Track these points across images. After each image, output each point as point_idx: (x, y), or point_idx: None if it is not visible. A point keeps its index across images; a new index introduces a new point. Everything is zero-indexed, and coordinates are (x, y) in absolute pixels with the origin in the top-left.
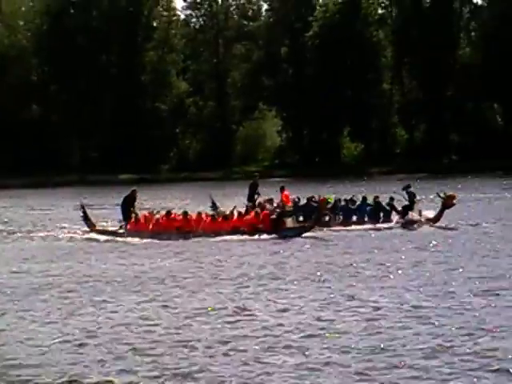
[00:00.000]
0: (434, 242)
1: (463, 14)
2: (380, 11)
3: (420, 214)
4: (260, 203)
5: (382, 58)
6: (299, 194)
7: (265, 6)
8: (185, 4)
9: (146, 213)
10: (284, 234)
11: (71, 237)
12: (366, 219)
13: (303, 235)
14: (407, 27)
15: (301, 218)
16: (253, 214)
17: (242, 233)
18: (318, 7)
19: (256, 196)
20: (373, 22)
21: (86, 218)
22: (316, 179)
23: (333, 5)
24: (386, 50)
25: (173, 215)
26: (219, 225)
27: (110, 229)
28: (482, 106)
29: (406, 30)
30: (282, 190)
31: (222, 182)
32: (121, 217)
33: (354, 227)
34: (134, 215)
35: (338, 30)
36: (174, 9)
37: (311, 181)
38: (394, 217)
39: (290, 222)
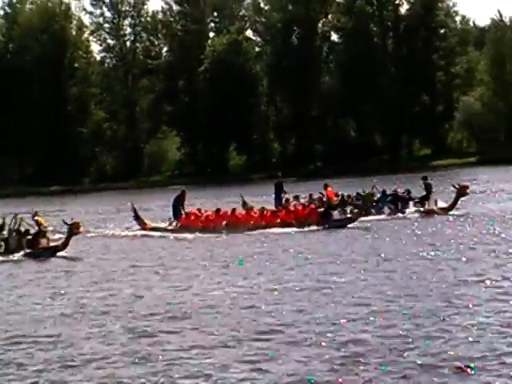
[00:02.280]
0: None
1: (323, 49)
2: (257, 49)
3: (436, 204)
4: (287, 200)
5: (260, 86)
6: (198, 197)
7: (165, 48)
8: (100, 48)
9: (195, 210)
10: (331, 225)
11: (126, 235)
12: (384, 210)
13: (349, 226)
14: (279, 61)
15: (348, 211)
16: (300, 207)
17: (291, 225)
18: (207, 47)
19: (282, 195)
20: (251, 58)
21: (137, 218)
22: (209, 186)
23: (219, 45)
24: (263, 79)
25: (221, 212)
26: (268, 219)
27: (161, 226)
28: (340, 122)
29: (278, 63)
30: (326, 187)
31: (134, 190)
32: (171, 215)
33: (381, 217)
34: (184, 212)
35: (223, 64)
36: (91, 51)
37: (205, 187)
38: (412, 207)
39: (336, 215)
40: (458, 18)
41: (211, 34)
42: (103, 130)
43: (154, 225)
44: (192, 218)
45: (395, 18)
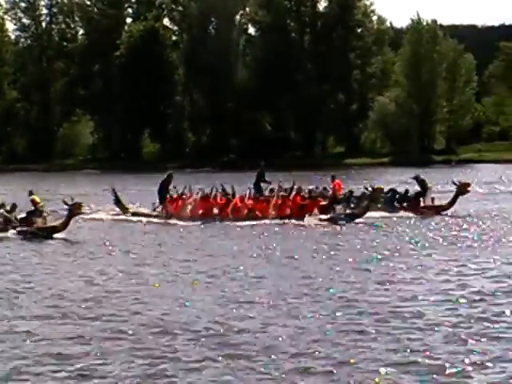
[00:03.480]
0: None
1: (240, 42)
2: (174, 38)
3: (432, 201)
4: (272, 190)
5: (176, 75)
6: (108, 183)
7: (81, 31)
8: (15, 27)
9: (182, 195)
10: (336, 219)
11: (108, 218)
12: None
13: (355, 221)
14: (195, 51)
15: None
16: (299, 198)
17: (289, 217)
18: (124, 33)
19: (263, 184)
20: (168, 46)
21: (118, 202)
22: (121, 172)
23: (136, 31)
24: (179, 68)
25: (211, 198)
26: (264, 208)
27: (144, 211)
28: (256, 116)
29: (194, 53)
30: (333, 179)
31: (47, 172)
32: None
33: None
34: (171, 197)
35: (139, 51)
36: (6, 30)
37: (117, 173)
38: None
39: (340, 210)
40: (374, 18)
41: (128, 20)
42: (16, 110)
43: (136, 210)
44: (179, 203)
45: (313, 15)
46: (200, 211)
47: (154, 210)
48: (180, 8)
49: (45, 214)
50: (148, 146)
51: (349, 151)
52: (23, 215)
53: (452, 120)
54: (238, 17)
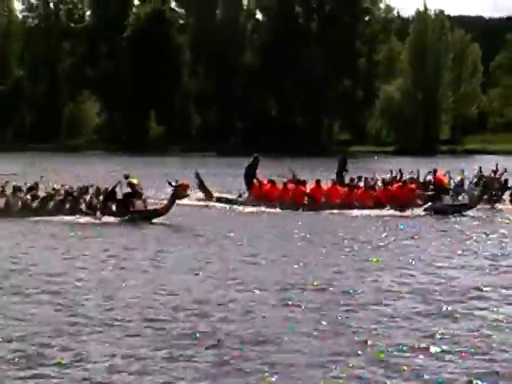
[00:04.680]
0: None
1: (247, 26)
2: (181, 21)
3: None
4: (352, 179)
5: (183, 57)
6: (113, 165)
7: (88, 12)
8: (22, 7)
9: (271, 180)
10: (438, 209)
11: (192, 204)
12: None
13: (463, 213)
14: (202, 34)
15: (460, 198)
16: (397, 186)
17: (386, 207)
18: (131, 14)
19: (344, 172)
20: (175, 28)
21: (202, 187)
22: (127, 153)
23: (143, 13)
24: (186, 51)
25: (302, 185)
26: (360, 197)
27: (230, 197)
28: (262, 100)
29: (201, 36)
30: (435, 172)
31: (55, 152)
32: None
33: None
34: (257, 183)
35: (146, 33)
36: (14, 10)
37: (123, 154)
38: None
39: (448, 200)
40: (382, 6)
41: (136, 2)
42: (23, 88)
43: (220, 195)
44: (267, 188)
45: (320, 1)
46: (291, 197)
47: (240, 195)
48: None
49: (144, 197)
50: (154, 128)
51: (354, 139)
52: (120, 197)
53: (457, 110)
54: (245, 1)
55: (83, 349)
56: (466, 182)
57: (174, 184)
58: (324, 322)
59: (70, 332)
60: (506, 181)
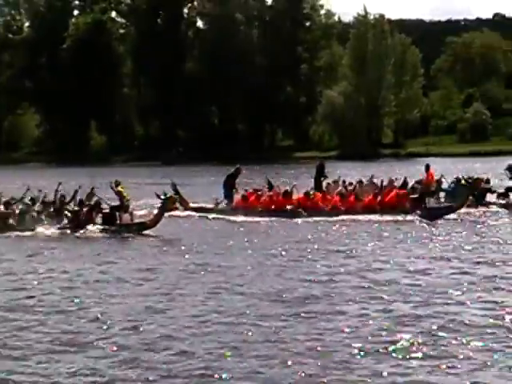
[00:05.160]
0: None
1: (189, 35)
2: (122, 31)
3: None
4: (329, 184)
5: (124, 67)
6: (56, 176)
7: (27, 23)
8: None
9: (252, 190)
10: (425, 214)
11: (173, 215)
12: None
13: (448, 216)
14: (143, 44)
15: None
16: (390, 192)
17: (376, 212)
18: (71, 25)
19: (322, 178)
20: (115, 39)
21: (178, 197)
22: (68, 165)
23: (83, 24)
24: (127, 61)
25: (290, 195)
26: (348, 204)
27: (207, 206)
28: (204, 108)
29: (142, 46)
30: (428, 168)
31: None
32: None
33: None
34: (240, 192)
35: (87, 44)
36: None
37: (65, 166)
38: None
39: (431, 202)
40: (322, 12)
41: (75, 12)
42: None
43: (197, 205)
44: (251, 198)
45: (261, 8)
46: (273, 206)
47: (217, 204)
48: (127, 0)
49: (131, 209)
50: (96, 139)
51: (297, 144)
52: (107, 210)
53: (399, 114)
54: (185, 10)
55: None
56: (446, 184)
57: (162, 197)
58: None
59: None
60: (488, 180)
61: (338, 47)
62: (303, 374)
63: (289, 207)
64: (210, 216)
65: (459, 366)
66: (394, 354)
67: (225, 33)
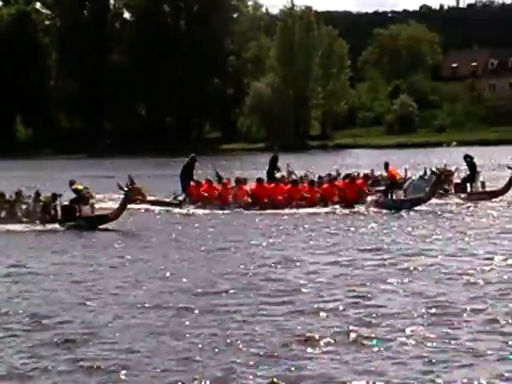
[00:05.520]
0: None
1: (115, 27)
2: (47, 22)
3: (483, 186)
4: (283, 177)
5: (49, 59)
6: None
7: None
8: None
9: (208, 180)
10: (394, 205)
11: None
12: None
13: (417, 208)
14: (68, 36)
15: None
16: (344, 182)
17: (332, 203)
18: None
19: (275, 171)
20: (40, 30)
21: (125, 188)
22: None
23: (7, 15)
24: (52, 53)
25: (243, 184)
26: (307, 194)
27: (165, 200)
28: (131, 100)
29: (68, 37)
30: (387, 166)
31: None
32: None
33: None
34: (195, 183)
35: (11, 35)
36: None
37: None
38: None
39: (400, 195)
40: (250, 4)
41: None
42: None
43: (154, 198)
44: (205, 188)
45: (189, 0)
46: (232, 198)
47: (175, 197)
48: None
49: (92, 201)
50: (21, 132)
51: (225, 136)
52: (66, 203)
53: (327, 105)
54: (112, 1)
55: None
56: (412, 178)
57: (124, 188)
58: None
59: None
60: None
61: (265, 39)
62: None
63: (244, 198)
64: (167, 209)
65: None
66: (314, 344)
67: (152, 25)
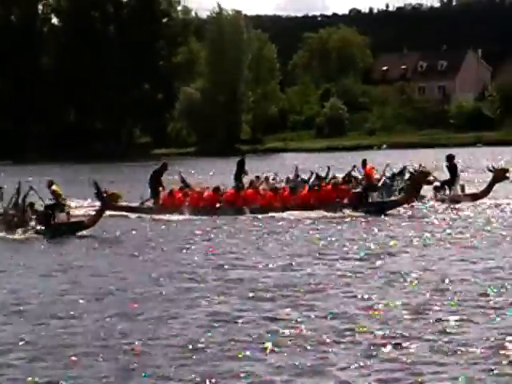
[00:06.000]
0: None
1: (44, 31)
2: None
3: (463, 190)
4: (252, 181)
5: None
6: None
7: None
8: None
9: (179, 187)
10: (369, 209)
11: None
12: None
13: (389, 212)
14: None
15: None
16: (329, 187)
17: (313, 208)
18: None
19: (243, 175)
20: None
21: (100, 195)
22: None
23: None
24: None
25: (219, 190)
26: (284, 199)
27: (132, 205)
28: (60, 105)
29: None
30: (365, 163)
31: None
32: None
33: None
34: (166, 190)
35: None
36: None
37: None
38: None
39: (376, 197)
40: (179, 8)
41: None
42: None
43: (121, 204)
44: (178, 196)
45: (117, 4)
46: (203, 204)
47: (142, 203)
48: None
49: (67, 208)
50: None
51: (155, 141)
52: (41, 209)
53: (257, 109)
54: (40, 6)
55: None
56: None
57: (102, 193)
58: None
59: None
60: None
61: (195, 43)
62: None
63: (218, 204)
64: (135, 215)
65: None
66: (261, 347)
67: (80, 29)
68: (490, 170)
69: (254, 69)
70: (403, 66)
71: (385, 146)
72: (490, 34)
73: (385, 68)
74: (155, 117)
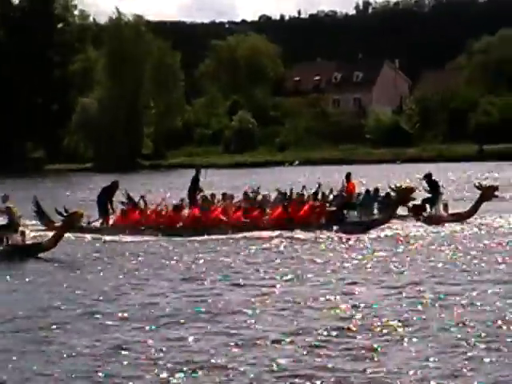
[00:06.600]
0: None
1: None
2: None
3: (445, 209)
4: (206, 198)
5: None
6: None
7: None
8: None
9: (126, 206)
10: (344, 228)
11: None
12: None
13: (369, 231)
14: None
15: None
16: (295, 204)
17: (286, 228)
18: None
19: (198, 192)
20: None
21: (40, 214)
22: None
23: None
24: None
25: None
26: (254, 218)
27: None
28: None
29: None
30: (348, 178)
31: None
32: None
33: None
34: (118, 209)
35: None
36: None
37: None
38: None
39: (354, 217)
40: (76, 13)
41: None
42: None
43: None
44: (133, 215)
45: (8, 8)
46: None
47: (89, 223)
48: None
49: (22, 229)
50: None
51: (49, 156)
52: None
53: (160, 122)
54: None
55: None
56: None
57: (64, 213)
58: None
59: None
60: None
61: (93, 51)
62: None
63: (179, 224)
64: (83, 235)
65: None
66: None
67: None
68: (477, 188)
69: (156, 78)
70: (316, 77)
71: (297, 162)
72: (408, 43)
73: (297, 78)
74: (49, 129)
